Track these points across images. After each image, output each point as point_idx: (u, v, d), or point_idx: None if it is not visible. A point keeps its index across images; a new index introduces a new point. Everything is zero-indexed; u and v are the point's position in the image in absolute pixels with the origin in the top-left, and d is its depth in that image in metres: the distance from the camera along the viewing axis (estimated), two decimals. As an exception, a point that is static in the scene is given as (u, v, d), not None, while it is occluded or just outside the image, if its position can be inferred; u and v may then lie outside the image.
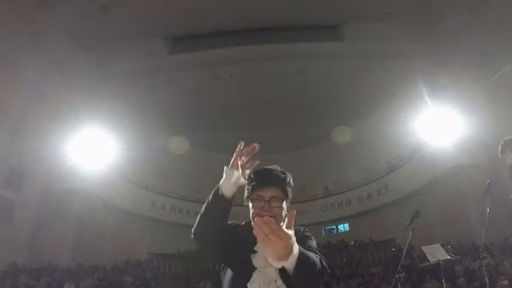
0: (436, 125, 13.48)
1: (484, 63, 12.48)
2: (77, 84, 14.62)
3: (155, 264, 16.38)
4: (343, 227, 20.43)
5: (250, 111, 17.66)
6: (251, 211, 1.69)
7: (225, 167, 1.69)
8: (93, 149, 14.40)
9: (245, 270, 1.54)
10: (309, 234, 1.86)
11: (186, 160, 19.71)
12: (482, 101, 12.27)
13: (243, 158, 1.72)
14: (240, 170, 1.69)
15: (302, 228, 1.88)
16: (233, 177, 1.65)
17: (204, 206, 1.70)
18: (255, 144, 1.73)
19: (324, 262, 1.59)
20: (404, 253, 4.79)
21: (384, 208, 18.01)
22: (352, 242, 17.12)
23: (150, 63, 15.15)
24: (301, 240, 1.71)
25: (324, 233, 20.47)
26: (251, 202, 1.69)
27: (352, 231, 19.33)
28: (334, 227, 20.77)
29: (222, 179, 1.66)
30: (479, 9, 12.07)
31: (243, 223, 1.81)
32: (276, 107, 17.28)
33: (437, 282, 9.89)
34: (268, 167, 1.77)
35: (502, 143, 3.65)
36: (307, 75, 16.15)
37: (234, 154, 1.70)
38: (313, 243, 1.80)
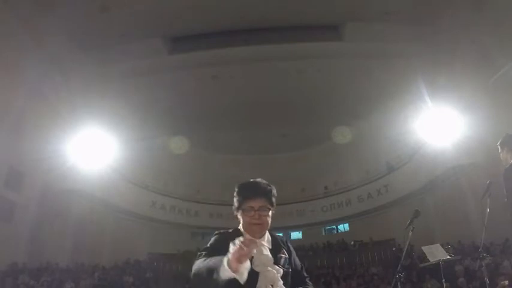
0: (436, 125, 13.47)
1: (484, 63, 12.48)
2: (77, 84, 14.63)
3: (155, 264, 16.39)
4: (343, 227, 20.44)
5: (250, 112, 17.67)
6: (242, 220, 1.85)
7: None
8: (93, 149, 14.39)
9: (249, 276, 1.55)
10: (290, 245, 2.00)
11: (186, 160, 19.71)
12: (482, 101, 12.26)
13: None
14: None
15: (280, 237, 1.98)
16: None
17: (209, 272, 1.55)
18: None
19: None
20: (404, 253, 4.77)
21: (384, 208, 18.02)
22: (352, 242, 17.13)
23: (150, 63, 15.15)
24: (292, 257, 1.90)
25: (324, 233, 20.49)
26: (241, 212, 1.84)
27: (352, 231, 19.34)
28: (334, 227, 20.78)
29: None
30: (479, 9, 12.06)
31: (230, 230, 1.87)
32: (276, 107, 17.29)
33: (437, 282, 9.90)
34: (254, 180, 1.90)
35: (504, 135, 3.59)
36: (307, 75, 16.15)
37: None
38: (294, 254, 1.98)
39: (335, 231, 20.62)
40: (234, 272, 1.46)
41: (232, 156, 20.63)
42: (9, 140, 12.36)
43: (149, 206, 18.32)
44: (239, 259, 1.45)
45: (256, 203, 1.80)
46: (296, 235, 20.42)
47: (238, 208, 1.85)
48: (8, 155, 12.68)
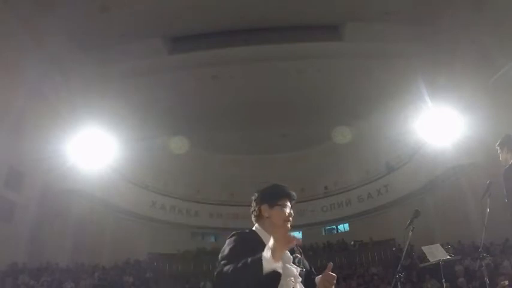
0: (436, 125, 13.47)
1: (484, 63, 12.48)
2: (77, 84, 14.63)
3: (155, 264, 16.38)
4: (343, 227, 20.43)
5: (250, 112, 17.66)
6: (275, 216, 1.91)
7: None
8: (93, 149, 14.39)
9: (270, 274, 1.60)
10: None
11: (186, 160, 19.71)
12: (482, 101, 12.26)
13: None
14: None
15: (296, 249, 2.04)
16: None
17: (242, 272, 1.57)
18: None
19: None
20: (404, 253, 4.78)
21: (384, 208, 18.02)
22: (352, 242, 17.12)
23: (150, 63, 15.15)
24: (302, 257, 2.00)
25: (324, 233, 20.48)
26: (278, 208, 1.92)
27: (352, 231, 19.34)
28: (334, 227, 20.78)
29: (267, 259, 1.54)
30: (479, 9, 12.06)
31: (246, 231, 1.90)
32: (276, 107, 17.28)
33: (437, 282, 9.90)
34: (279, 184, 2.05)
35: (503, 136, 3.58)
36: (307, 75, 16.15)
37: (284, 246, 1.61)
38: (303, 256, 2.08)
39: (335, 231, 20.61)
40: (277, 260, 1.53)
41: (232, 156, 20.62)
42: (9, 140, 12.35)
43: (149, 206, 18.31)
44: (284, 246, 1.56)
45: (289, 202, 1.98)
46: (296, 235, 20.36)
47: (274, 204, 1.91)
48: (8, 155, 12.68)
